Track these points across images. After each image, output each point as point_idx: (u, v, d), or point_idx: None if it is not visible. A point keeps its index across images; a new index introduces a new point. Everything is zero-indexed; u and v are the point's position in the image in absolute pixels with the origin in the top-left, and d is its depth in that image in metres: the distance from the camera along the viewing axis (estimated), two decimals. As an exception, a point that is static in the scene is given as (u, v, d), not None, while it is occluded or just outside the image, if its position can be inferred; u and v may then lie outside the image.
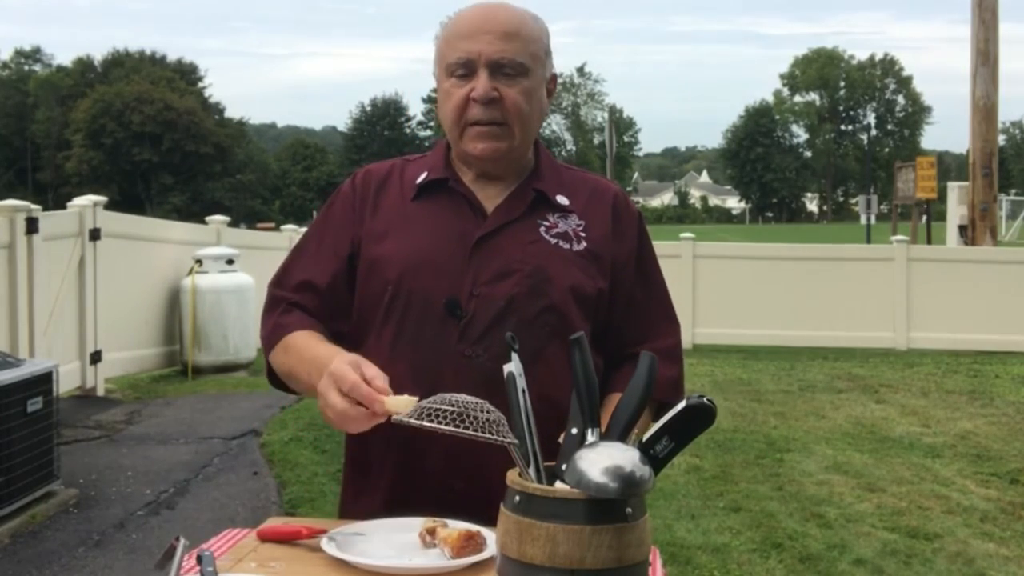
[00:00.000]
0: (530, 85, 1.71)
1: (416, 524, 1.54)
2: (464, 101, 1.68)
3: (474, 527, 1.49)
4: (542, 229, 1.73)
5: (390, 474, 1.71)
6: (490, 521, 1.48)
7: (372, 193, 1.78)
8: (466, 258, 1.68)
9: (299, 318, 1.74)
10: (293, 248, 1.87)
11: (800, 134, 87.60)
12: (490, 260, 1.68)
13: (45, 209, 7.51)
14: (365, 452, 1.76)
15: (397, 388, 1.64)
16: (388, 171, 1.82)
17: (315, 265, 1.78)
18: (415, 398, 1.42)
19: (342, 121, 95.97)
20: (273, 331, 1.75)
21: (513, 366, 1.44)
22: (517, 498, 1.30)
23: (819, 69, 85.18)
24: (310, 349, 1.66)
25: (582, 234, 1.74)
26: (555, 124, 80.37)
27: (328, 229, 1.80)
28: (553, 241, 1.72)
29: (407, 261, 1.69)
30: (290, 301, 1.77)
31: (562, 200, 1.76)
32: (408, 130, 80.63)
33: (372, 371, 1.48)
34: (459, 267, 1.67)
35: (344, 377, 1.47)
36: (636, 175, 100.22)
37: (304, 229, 11.22)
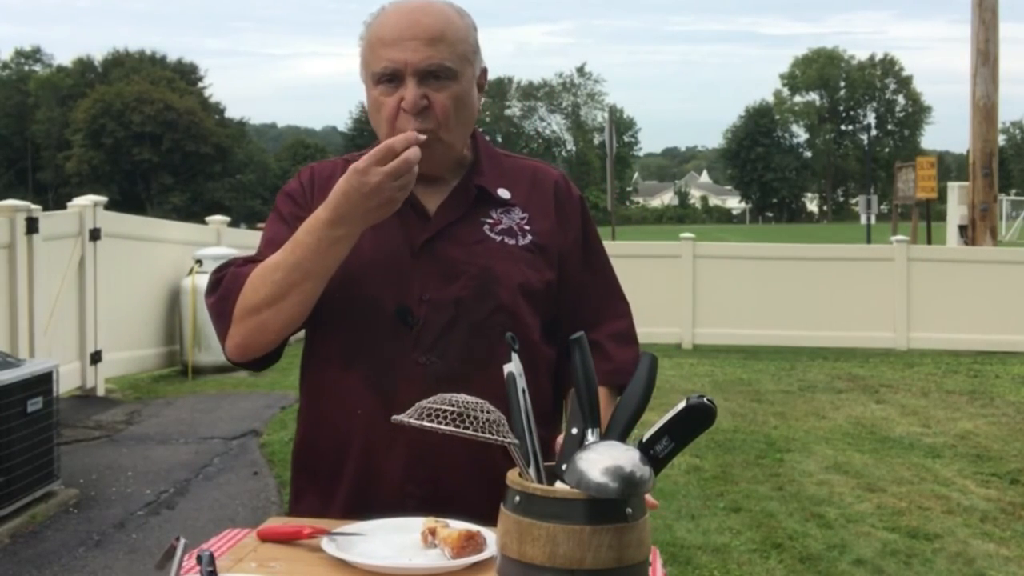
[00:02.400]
0: (459, 89, 1.66)
1: (416, 524, 1.54)
2: (395, 112, 1.64)
3: (474, 527, 1.49)
4: (486, 227, 1.70)
5: (348, 482, 1.68)
6: None
7: (316, 192, 1.72)
8: (412, 262, 1.66)
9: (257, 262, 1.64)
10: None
11: (800, 134, 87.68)
12: (436, 263, 1.66)
13: (45, 209, 7.51)
14: (317, 455, 1.73)
15: (351, 397, 1.64)
16: (331, 171, 1.75)
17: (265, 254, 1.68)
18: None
19: (342, 121, 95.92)
20: (230, 284, 1.63)
21: (513, 366, 1.44)
22: (517, 498, 1.30)
23: (819, 69, 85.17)
24: (289, 243, 1.58)
25: (526, 227, 1.72)
26: (555, 124, 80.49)
27: (278, 227, 1.72)
28: (498, 239, 1.70)
29: (352, 268, 1.62)
30: (241, 261, 1.68)
31: (504, 193, 1.74)
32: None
33: (369, 154, 1.50)
34: (406, 272, 1.65)
35: (374, 157, 1.49)
36: (636, 175, 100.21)
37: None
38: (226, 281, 1.65)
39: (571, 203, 1.80)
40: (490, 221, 1.71)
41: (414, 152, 1.50)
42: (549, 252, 1.72)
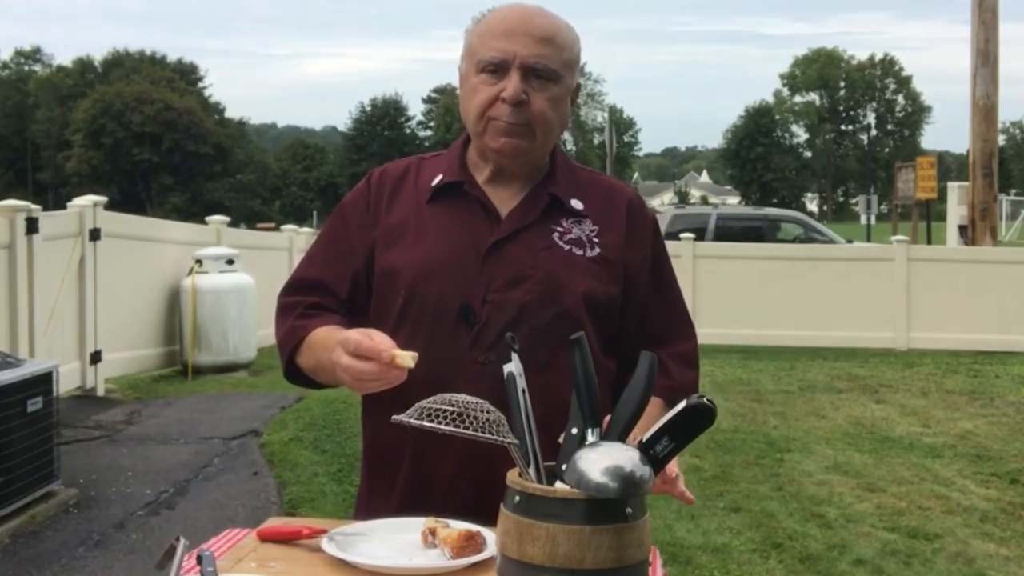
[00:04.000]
0: (558, 92, 1.70)
1: (416, 524, 1.54)
2: (492, 99, 1.67)
3: (474, 527, 1.49)
4: (556, 235, 1.72)
5: (404, 479, 1.71)
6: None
7: (387, 193, 1.78)
8: (479, 263, 1.68)
9: (317, 318, 1.73)
10: (305, 254, 1.86)
11: (800, 134, 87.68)
12: (503, 266, 1.68)
13: (45, 209, 7.51)
14: (381, 455, 1.77)
15: (410, 394, 1.62)
16: (404, 171, 1.81)
17: (329, 267, 1.79)
18: (416, 353, 1.47)
19: (342, 121, 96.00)
20: (289, 333, 1.75)
21: (513, 366, 1.45)
22: (517, 498, 1.30)
23: (819, 69, 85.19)
24: (332, 336, 1.64)
25: (595, 239, 1.73)
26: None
27: (342, 231, 1.80)
28: (567, 248, 1.71)
29: (421, 265, 1.69)
30: (307, 304, 1.76)
31: (576, 204, 1.75)
32: (408, 130, 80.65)
33: (379, 336, 1.50)
34: (472, 272, 1.67)
35: (348, 339, 1.50)
36: (636, 175, 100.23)
37: (305, 229, 11.26)
38: (284, 331, 1.76)
39: (644, 223, 1.81)
40: (560, 229, 1.72)
41: (370, 378, 1.49)
42: (616, 266, 1.74)
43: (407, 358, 1.47)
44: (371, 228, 1.76)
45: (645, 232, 1.80)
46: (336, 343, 1.53)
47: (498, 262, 1.68)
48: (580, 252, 1.72)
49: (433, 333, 1.66)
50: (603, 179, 1.85)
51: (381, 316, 1.71)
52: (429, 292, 1.68)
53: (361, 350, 1.48)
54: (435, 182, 1.76)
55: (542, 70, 1.67)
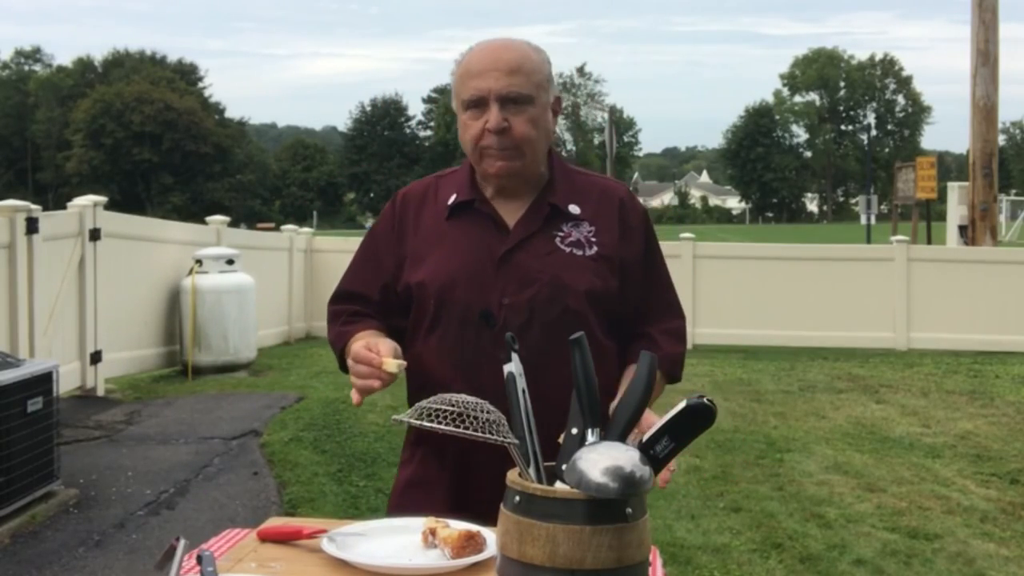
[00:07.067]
0: (535, 112, 1.91)
1: (416, 524, 1.54)
2: (480, 132, 1.89)
3: (474, 527, 1.49)
4: (557, 240, 1.93)
5: (448, 476, 1.89)
6: None
7: (412, 213, 2.01)
8: (494, 271, 1.90)
9: (357, 324, 1.98)
10: (347, 267, 2.13)
11: (800, 134, 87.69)
12: (514, 272, 1.89)
13: (45, 209, 7.51)
14: (423, 469, 1.95)
15: (444, 385, 1.84)
16: (424, 191, 2.04)
17: (364, 277, 2.04)
18: (404, 362, 1.74)
19: (342, 121, 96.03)
20: (337, 338, 2.01)
21: (513, 366, 1.45)
22: (517, 498, 1.30)
23: (819, 69, 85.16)
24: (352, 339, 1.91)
25: (593, 239, 1.94)
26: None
27: (372, 245, 2.06)
28: (567, 250, 1.92)
29: (446, 278, 1.91)
30: (349, 312, 2.01)
31: (574, 209, 1.96)
32: (408, 130, 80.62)
33: (383, 346, 1.77)
34: (489, 279, 1.89)
35: (354, 350, 1.80)
36: (636, 175, 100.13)
37: (305, 230, 11.33)
38: (332, 336, 2.02)
39: (635, 218, 2.01)
40: (561, 234, 1.94)
41: (363, 378, 1.76)
42: (613, 261, 1.94)
43: (392, 365, 1.72)
44: (399, 245, 1.99)
45: (637, 227, 2.00)
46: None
47: (509, 269, 1.89)
48: (580, 253, 1.92)
49: (461, 333, 1.89)
50: (597, 180, 2.05)
51: (418, 322, 1.94)
52: (455, 300, 1.89)
53: (359, 358, 1.76)
54: (450, 201, 1.98)
55: (516, 97, 1.88)
